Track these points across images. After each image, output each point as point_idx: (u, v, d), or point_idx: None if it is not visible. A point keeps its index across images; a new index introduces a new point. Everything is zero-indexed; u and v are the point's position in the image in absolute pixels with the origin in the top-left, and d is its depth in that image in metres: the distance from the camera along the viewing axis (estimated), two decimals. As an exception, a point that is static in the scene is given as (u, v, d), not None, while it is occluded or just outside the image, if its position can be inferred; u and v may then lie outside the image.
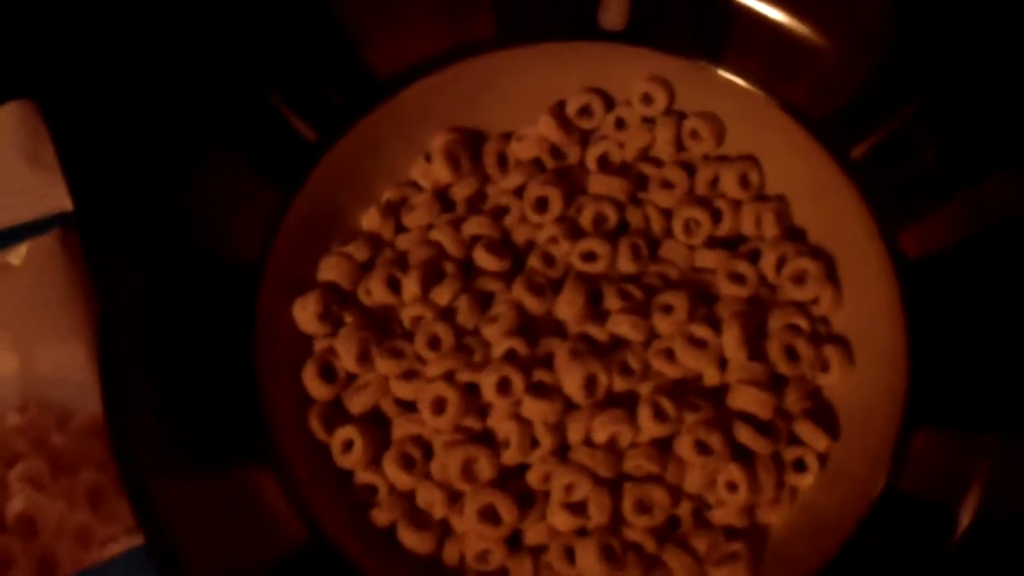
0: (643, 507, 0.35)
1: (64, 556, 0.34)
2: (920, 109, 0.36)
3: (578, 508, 0.35)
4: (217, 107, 0.37)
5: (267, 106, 0.37)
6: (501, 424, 0.35)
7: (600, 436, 0.35)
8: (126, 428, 0.33)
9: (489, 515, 0.34)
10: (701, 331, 0.36)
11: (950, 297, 0.35)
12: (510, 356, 0.36)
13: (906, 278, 0.35)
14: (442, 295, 0.37)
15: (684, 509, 0.35)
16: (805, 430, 0.36)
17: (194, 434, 0.34)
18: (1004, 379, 0.34)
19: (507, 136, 0.40)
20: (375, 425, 0.36)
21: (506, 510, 0.34)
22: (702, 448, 0.35)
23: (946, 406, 0.34)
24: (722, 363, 0.36)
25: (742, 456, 0.35)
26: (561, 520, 0.34)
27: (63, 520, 0.35)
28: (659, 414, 0.35)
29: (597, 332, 0.36)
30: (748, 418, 0.36)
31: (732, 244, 0.39)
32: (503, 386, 0.35)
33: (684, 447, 0.35)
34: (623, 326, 0.36)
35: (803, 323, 0.37)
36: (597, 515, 0.34)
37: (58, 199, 0.38)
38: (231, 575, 0.32)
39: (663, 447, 0.35)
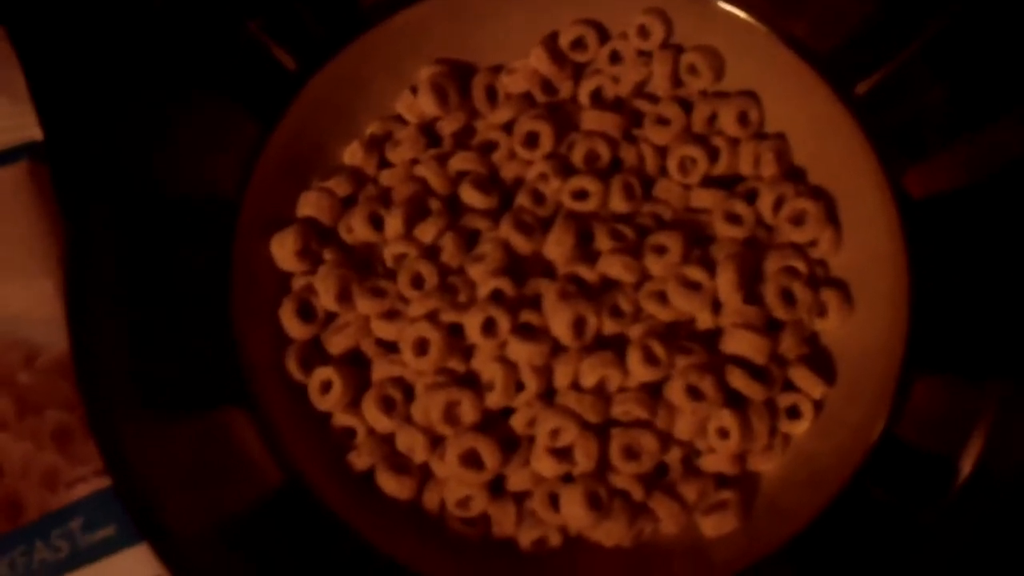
0: (631, 453, 0.34)
1: (30, 498, 0.34)
2: (928, 44, 0.35)
3: (564, 454, 0.34)
4: (194, 36, 0.36)
5: (246, 35, 0.36)
6: (485, 366, 0.35)
7: (588, 380, 0.34)
8: (94, 366, 0.33)
9: (471, 460, 0.34)
10: (695, 273, 0.36)
11: (955, 240, 0.34)
12: (496, 296, 0.35)
13: (910, 220, 0.35)
14: (426, 232, 0.36)
15: (673, 456, 0.35)
16: (800, 376, 0.36)
17: (166, 373, 0.34)
18: (1010, 325, 0.33)
19: (497, 69, 0.39)
20: (355, 366, 0.36)
21: (489, 455, 0.34)
22: (693, 393, 0.34)
23: (949, 352, 0.34)
24: (716, 306, 0.36)
25: (735, 402, 0.35)
26: (546, 466, 0.34)
27: (29, 461, 0.34)
28: (650, 358, 0.34)
29: (587, 273, 0.36)
30: (742, 363, 0.35)
31: (729, 183, 0.38)
32: (488, 327, 0.35)
33: (675, 392, 0.34)
34: (614, 267, 0.36)
35: (801, 266, 0.36)
36: (583, 461, 0.34)
37: (27, 129, 0.37)
38: (202, 519, 0.32)
39: (653, 392, 0.35)
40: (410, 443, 0.35)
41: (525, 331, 0.35)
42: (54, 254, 0.36)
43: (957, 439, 0.33)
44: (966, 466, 0.32)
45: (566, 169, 0.37)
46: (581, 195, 0.37)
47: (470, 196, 0.37)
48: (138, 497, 0.32)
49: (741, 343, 0.35)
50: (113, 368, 0.33)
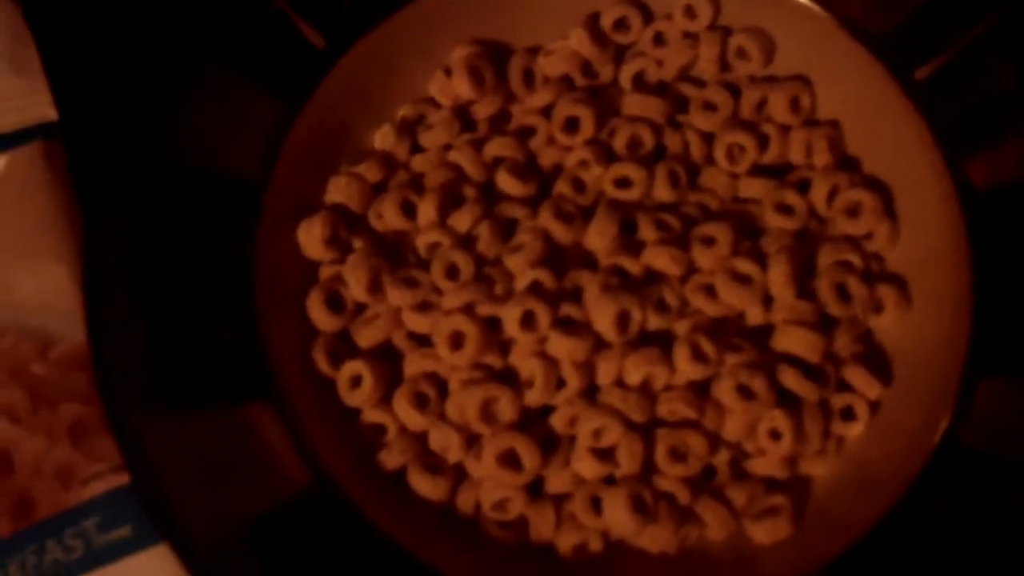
0: (677, 455, 0.34)
1: (42, 496, 0.33)
2: (995, 25, 0.34)
3: (606, 455, 0.33)
4: (216, 9, 0.35)
5: (271, 9, 0.36)
6: (524, 362, 0.34)
7: (633, 377, 0.33)
8: (111, 358, 0.32)
9: (509, 460, 0.33)
10: (745, 266, 0.35)
11: (1022, 232, 0.33)
12: (535, 288, 0.34)
13: (972, 211, 0.34)
14: (461, 221, 0.35)
15: (721, 458, 0.34)
16: (856, 376, 0.35)
17: (187, 366, 0.33)
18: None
19: (534, 50, 0.38)
20: (386, 360, 0.35)
21: (528, 455, 0.33)
22: (744, 393, 0.33)
23: (1016, 353, 0.33)
24: (767, 301, 0.35)
25: (787, 402, 0.34)
26: (588, 467, 0.33)
27: (42, 457, 0.33)
28: (697, 355, 0.33)
29: (631, 265, 0.35)
30: (794, 361, 0.34)
31: (779, 173, 0.37)
32: (527, 321, 0.34)
33: (724, 391, 0.33)
34: (660, 259, 0.35)
35: (856, 260, 0.35)
36: (627, 463, 0.33)
37: (41, 108, 0.36)
38: (224, 520, 0.31)
39: (700, 391, 0.34)
40: (444, 442, 0.34)
41: (566, 325, 0.34)
42: (69, 239, 0.35)
43: (1028, 444, 0.32)
44: (1039, 473, 0.31)
45: (608, 156, 0.36)
46: (624, 183, 0.36)
47: (507, 183, 0.36)
48: (156, 495, 0.31)
49: (793, 340, 0.34)
50: (132, 360, 0.32)
